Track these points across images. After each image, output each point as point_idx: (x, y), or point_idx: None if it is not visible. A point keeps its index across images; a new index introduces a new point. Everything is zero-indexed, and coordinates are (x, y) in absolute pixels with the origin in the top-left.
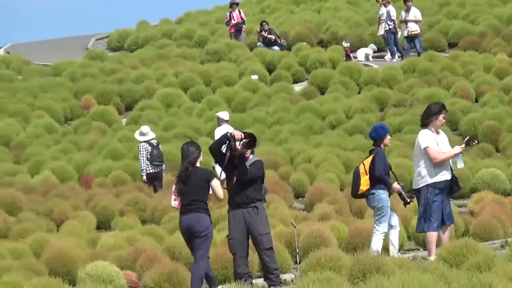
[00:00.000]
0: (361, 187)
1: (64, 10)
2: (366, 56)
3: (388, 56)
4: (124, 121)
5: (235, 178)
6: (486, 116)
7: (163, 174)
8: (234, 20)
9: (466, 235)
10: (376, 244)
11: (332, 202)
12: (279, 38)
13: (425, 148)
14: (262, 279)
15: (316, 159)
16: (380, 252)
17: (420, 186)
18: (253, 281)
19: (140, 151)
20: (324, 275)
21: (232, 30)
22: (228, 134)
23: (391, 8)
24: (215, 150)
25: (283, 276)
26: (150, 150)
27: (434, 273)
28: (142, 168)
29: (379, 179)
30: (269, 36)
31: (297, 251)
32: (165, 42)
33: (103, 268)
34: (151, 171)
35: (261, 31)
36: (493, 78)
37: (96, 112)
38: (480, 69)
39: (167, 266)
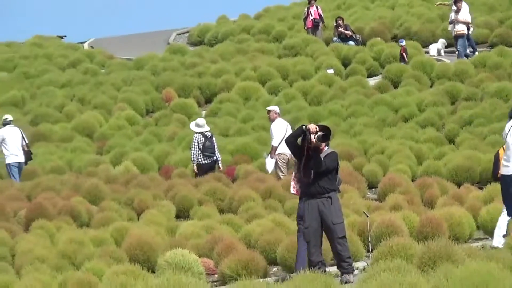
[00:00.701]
0: (499, 171)
1: (146, 5)
2: (438, 51)
3: (463, 53)
4: (204, 113)
5: (307, 169)
6: None
7: (220, 165)
8: (312, 15)
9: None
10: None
11: (404, 192)
12: (354, 33)
13: None
14: (335, 267)
15: (388, 151)
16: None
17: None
18: (327, 269)
19: (194, 141)
20: (394, 263)
21: (310, 26)
22: (304, 127)
23: (461, 4)
24: (291, 143)
25: (356, 264)
26: (203, 141)
27: (501, 261)
28: (193, 158)
29: None
30: (345, 31)
31: (370, 240)
32: (244, 37)
33: (181, 255)
34: (202, 162)
35: (337, 26)
36: None
37: (177, 104)
38: None
39: (243, 254)
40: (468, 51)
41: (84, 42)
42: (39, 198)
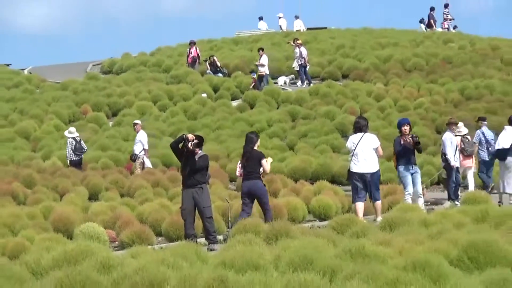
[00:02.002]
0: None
1: (71, 42)
2: (285, 82)
3: (299, 83)
4: (111, 124)
5: (186, 167)
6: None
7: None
8: (192, 54)
9: (348, 211)
10: (408, 201)
11: None
12: (222, 68)
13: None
14: (204, 238)
15: None
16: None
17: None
18: (198, 240)
19: (68, 144)
20: (247, 237)
21: (190, 61)
22: (184, 136)
23: (302, 49)
24: (174, 147)
25: (219, 237)
26: (74, 144)
27: (326, 238)
28: (68, 156)
29: (397, 156)
30: (215, 66)
31: (229, 220)
32: (142, 68)
33: (92, 228)
34: (74, 158)
35: (209, 63)
36: (372, 100)
37: (91, 117)
38: (364, 94)
39: (137, 227)
40: (305, 83)
41: (24, 69)
42: None
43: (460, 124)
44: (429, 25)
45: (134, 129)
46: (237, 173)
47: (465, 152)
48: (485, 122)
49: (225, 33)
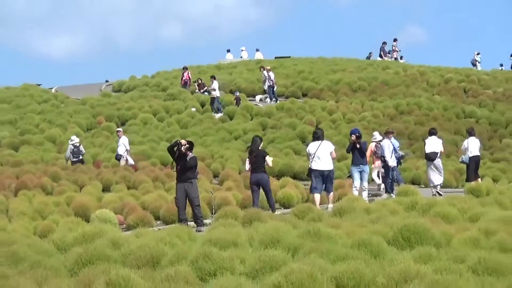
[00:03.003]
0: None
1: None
2: (260, 100)
3: (268, 100)
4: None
5: (179, 166)
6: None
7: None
8: (184, 77)
9: (307, 201)
10: (354, 193)
11: (234, 180)
12: (208, 87)
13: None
14: (193, 222)
15: (226, 156)
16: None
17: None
18: (188, 223)
19: (68, 148)
20: (227, 221)
21: (183, 83)
22: (178, 141)
23: (271, 73)
24: (170, 150)
25: (205, 221)
26: (73, 148)
27: (289, 222)
28: (67, 157)
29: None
30: (202, 87)
31: (213, 207)
32: (144, 88)
33: (105, 213)
34: (73, 159)
35: (198, 84)
36: (326, 114)
37: (104, 126)
38: (319, 109)
39: (140, 213)
40: (273, 101)
41: (52, 88)
42: (23, 177)
43: (376, 133)
44: (381, 56)
45: (117, 135)
46: (246, 168)
47: (376, 155)
48: (392, 135)
49: (210, 61)
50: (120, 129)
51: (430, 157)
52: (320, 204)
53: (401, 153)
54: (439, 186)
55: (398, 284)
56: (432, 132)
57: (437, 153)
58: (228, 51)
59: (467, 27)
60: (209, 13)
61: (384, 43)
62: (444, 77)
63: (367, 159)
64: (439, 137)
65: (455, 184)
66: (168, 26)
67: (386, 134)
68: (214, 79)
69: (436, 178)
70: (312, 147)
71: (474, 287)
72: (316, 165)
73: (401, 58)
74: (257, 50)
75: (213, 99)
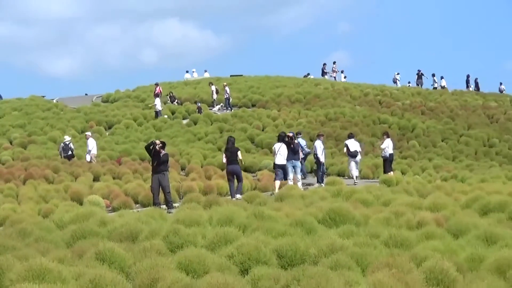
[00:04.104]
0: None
1: (83, 81)
2: (218, 109)
3: (226, 109)
4: (107, 134)
5: (154, 161)
6: (267, 136)
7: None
8: (157, 91)
9: (255, 189)
10: (290, 183)
11: (197, 172)
12: (177, 99)
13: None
14: (165, 205)
15: (191, 153)
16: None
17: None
18: (161, 206)
19: (60, 147)
20: (192, 205)
21: (155, 96)
22: (153, 141)
23: (227, 88)
24: (147, 148)
25: (175, 204)
26: (63, 146)
27: (240, 206)
28: (59, 153)
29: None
30: (173, 98)
31: (181, 194)
32: (127, 99)
33: (95, 198)
34: (64, 155)
35: (169, 96)
36: (270, 120)
37: (95, 129)
38: (265, 116)
39: (123, 198)
40: (228, 110)
41: (53, 99)
42: (30, 169)
43: (291, 133)
44: (322, 75)
45: (86, 137)
46: (224, 161)
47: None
48: (322, 137)
49: (178, 78)
50: (88, 133)
51: (353, 155)
52: (279, 188)
53: (307, 150)
54: (356, 177)
55: (326, 255)
56: (350, 136)
57: (358, 151)
58: (187, 71)
59: (384, 52)
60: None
61: (324, 64)
62: (363, 92)
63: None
64: (355, 140)
65: (372, 176)
66: (146, 51)
67: (317, 136)
68: (157, 96)
69: (355, 171)
70: (277, 146)
71: (386, 257)
72: (278, 160)
73: (344, 77)
74: (205, 71)
75: (156, 113)
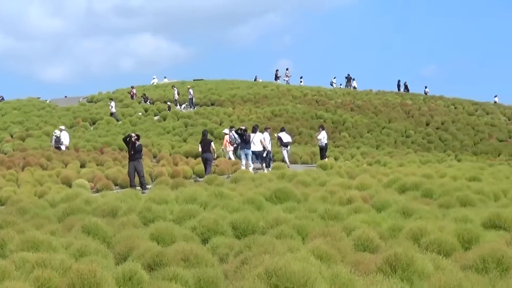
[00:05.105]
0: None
1: (72, 85)
2: (184, 107)
3: (190, 108)
4: (92, 128)
5: (130, 150)
6: (223, 129)
7: (63, 148)
8: (132, 93)
9: (214, 173)
10: (243, 168)
11: (166, 160)
12: (150, 99)
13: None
14: (139, 187)
15: (161, 144)
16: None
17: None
18: (136, 188)
19: (52, 139)
20: (161, 186)
21: (130, 97)
22: (130, 134)
23: (191, 90)
24: (124, 140)
25: (148, 186)
26: (55, 138)
27: (202, 187)
28: (51, 144)
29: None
30: (146, 99)
31: (153, 177)
32: (107, 100)
33: (82, 181)
34: (54, 146)
35: (143, 96)
36: (226, 116)
37: (82, 124)
38: (222, 113)
39: (105, 181)
40: (192, 108)
41: (47, 100)
42: (28, 158)
43: (226, 130)
44: (275, 79)
45: (60, 130)
46: (199, 150)
47: (231, 143)
48: (269, 130)
49: (150, 82)
50: (62, 127)
51: (285, 145)
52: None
53: (238, 140)
54: (288, 163)
55: (272, 226)
56: (282, 129)
57: (290, 142)
58: (154, 78)
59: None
60: (151, 52)
61: (277, 70)
62: (303, 92)
63: (225, 147)
64: (287, 132)
65: (310, 161)
66: (124, 60)
67: (265, 129)
68: (112, 100)
69: (287, 158)
70: (251, 136)
71: (321, 228)
72: (253, 147)
73: (301, 81)
74: (165, 77)
75: (111, 114)
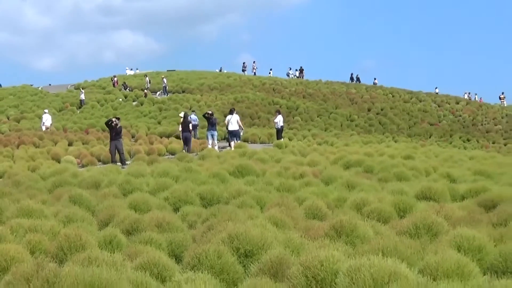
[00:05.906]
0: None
1: (61, 74)
2: (158, 94)
3: (164, 95)
4: (78, 112)
5: (112, 131)
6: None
7: (43, 128)
8: (113, 81)
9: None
10: (209, 147)
11: (143, 139)
12: (129, 87)
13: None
14: (120, 163)
15: (139, 126)
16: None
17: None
18: (117, 163)
19: (42, 121)
20: (137, 163)
21: (113, 85)
22: (112, 118)
23: (165, 79)
24: (106, 123)
25: (127, 162)
26: (44, 120)
27: (174, 163)
28: (42, 127)
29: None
30: (126, 87)
31: (131, 154)
32: (92, 87)
33: (69, 157)
34: (44, 129)
35: (123, 85)
36: (196, 103)
37: (70, 108)
38: (192, 100)
39: (89, 157)
40: (165, 95)
41: (39, 87)
42: (22, 138)
43: (182, 113)
44: (242, 71)
45: (43, 113)
46: (179, 129)
47: (183, 124)
48: (194, 112)
49: (124, 72)
50: (46, 110)
51: (232, 133)
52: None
53: (197, 123)
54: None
55: (234, 197)
56: (231, 111)
57: (238, 125)
58: (129, 68)
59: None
60: (130, 46)
61: (244, 63)
62: (262, 82)
63: (179, 129)
64: (236, 114)
65: (268, 141)
66: (107, 53)
67: (230, 112)
68: (82, 89)
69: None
70: (228, 117)
71: (277, 198)
72: (230, 127)
73: (270, 73)
74: (137, 68)
75: (81, 101)
